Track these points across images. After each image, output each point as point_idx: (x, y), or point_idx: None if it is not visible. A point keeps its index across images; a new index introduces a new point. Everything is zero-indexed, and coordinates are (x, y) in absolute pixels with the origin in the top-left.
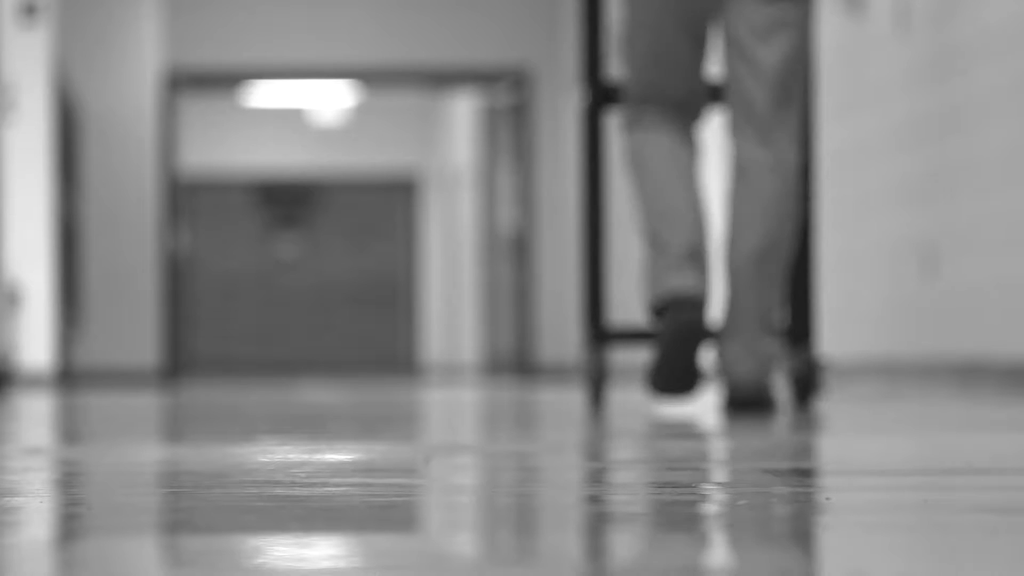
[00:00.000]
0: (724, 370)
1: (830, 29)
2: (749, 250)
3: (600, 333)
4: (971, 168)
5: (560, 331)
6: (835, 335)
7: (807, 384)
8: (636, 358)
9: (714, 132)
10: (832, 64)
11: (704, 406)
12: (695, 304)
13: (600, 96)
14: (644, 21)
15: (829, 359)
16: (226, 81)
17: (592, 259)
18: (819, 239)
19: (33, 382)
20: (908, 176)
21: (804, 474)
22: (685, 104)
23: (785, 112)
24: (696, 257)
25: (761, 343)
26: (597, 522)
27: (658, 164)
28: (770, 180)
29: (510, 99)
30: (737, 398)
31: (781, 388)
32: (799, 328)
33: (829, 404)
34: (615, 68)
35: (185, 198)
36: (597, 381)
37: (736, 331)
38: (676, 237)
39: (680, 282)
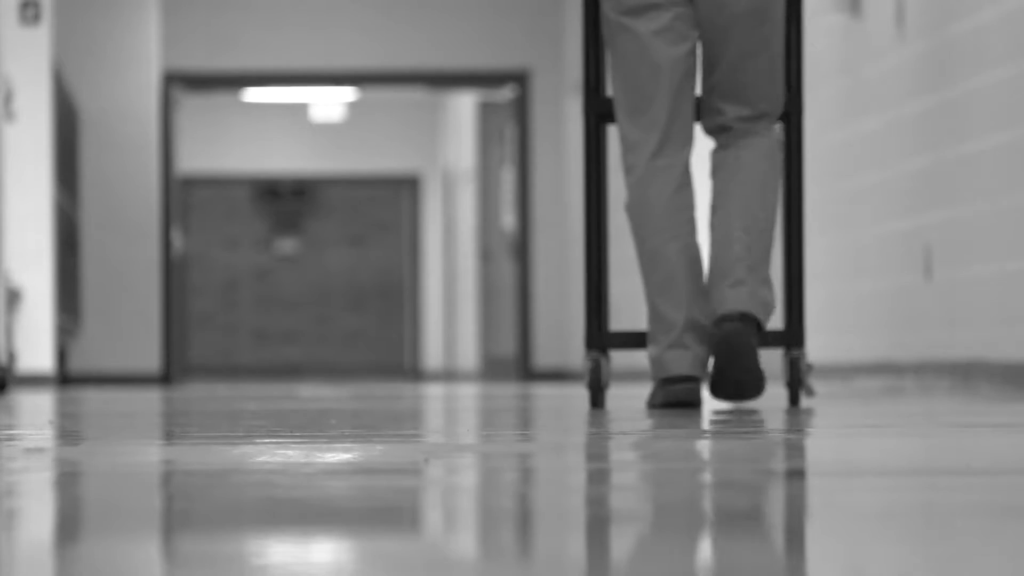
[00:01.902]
0: (713, 299)
1: (829, 30)
2: (734, 217)
3: (601, 337)
4: (968, 169)
5: (559, 335)
6: (833, 335)
7: (795, 384)
8: (635, 359)
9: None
10: (830, 65)
11: (706, 408)
12: (690, 377)
13: (602, 109)
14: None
15: (827, 359)
16: (226, 84)
17: (594, 267)
18: (806, 241)
19: (33, 384)
20: (906, 176)
21: (802, 474)
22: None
23: (765, 119)
24: (694, 327)
25: (756, 287)
26: (596, 523)
27: (655, 224)
28: (751, 161)
29: (511, 101)
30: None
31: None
32: (787, 329)
33: (827, 404)
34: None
35: (185, 196)
36: (597, 383)
37: (723, 273)
38: (675, 313)
39: (678, 367)
